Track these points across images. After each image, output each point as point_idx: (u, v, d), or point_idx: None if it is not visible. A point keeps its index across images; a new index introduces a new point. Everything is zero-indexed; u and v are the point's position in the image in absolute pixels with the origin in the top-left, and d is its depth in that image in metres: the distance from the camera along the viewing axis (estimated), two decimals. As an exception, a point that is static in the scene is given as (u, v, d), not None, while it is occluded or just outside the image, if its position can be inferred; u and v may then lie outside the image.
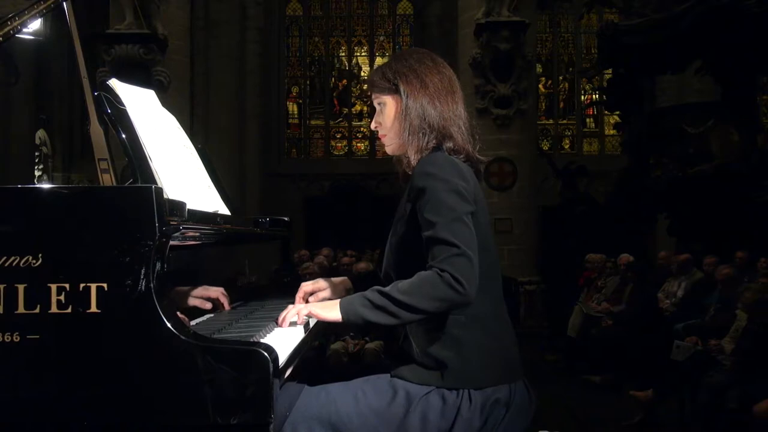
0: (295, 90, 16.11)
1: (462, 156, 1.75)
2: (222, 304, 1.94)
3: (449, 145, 1.73)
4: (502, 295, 1.77)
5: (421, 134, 1.74)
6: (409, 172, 1.74)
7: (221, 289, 1.91)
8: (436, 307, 1.57)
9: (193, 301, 1.81)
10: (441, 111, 1.75)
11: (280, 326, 1.73)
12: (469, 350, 1.66)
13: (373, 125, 1.86)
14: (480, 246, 1.61)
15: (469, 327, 1.66)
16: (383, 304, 1.58)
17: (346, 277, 2.04)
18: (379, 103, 1.83)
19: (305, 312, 1.70)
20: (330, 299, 1.85)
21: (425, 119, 1.74)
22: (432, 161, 1.67)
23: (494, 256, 1.75)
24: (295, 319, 1.72)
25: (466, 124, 1.79)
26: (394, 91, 1.78)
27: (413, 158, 1.75)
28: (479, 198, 1.70)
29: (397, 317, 1.57)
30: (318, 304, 1.74)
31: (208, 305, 1.87)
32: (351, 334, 5.01)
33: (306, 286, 1.92)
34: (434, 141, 1.74)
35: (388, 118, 1.81)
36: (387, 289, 1.60)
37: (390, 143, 1.84)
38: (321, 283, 1.95)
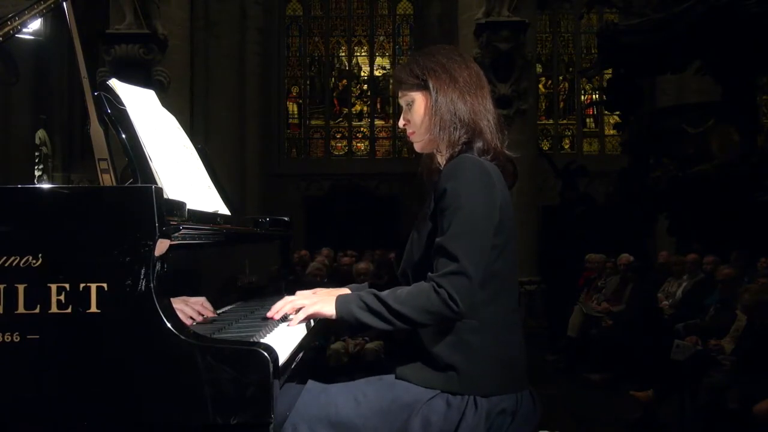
0: (295, 90, 16.08)
1: (490, 155, 1.73)
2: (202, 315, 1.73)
3: (479, 144, 1.72)
4: (517, 304, 1.77)
5: (452, 129, 1.72)
6: (441, 169, 1.73)
7: (202, 299, 1.76)
8: (427, 320, 1.59)
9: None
10: (471, 105, 1.73)
11: (270, 318, 1.70)
12: (479, 356, 1.64)
13: (401, 123, 1.84)
14: (500, 253, 1.65)
15: (482, 333, 1.64)
16: (379, 310, 1.59)
17: (347, 289, 1.95)
18: (407, 101, 1.81)
19: (299, 304, 1.69)
20: None
21: (456, 114, 1.72)
22: (461, 164, 1.65)
23: (514, 263, 1.75)
24: (288, 310, 1.69)
25: (495, 118, 1.78)
26: (423, 87, 1.76)
27: (445, 152, 1.74)
28: (506, 202, 1.71)
29: (391, 324, 1.59)
30: (312, 297, 1.72)
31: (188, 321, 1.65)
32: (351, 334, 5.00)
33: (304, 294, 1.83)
34: (465, 136, 1.72)
35: (417, 114, 1.78)
36: (384, 294, 1.61)
37: (419, 140, 1.81)
38: (320, 292, 1.86)
